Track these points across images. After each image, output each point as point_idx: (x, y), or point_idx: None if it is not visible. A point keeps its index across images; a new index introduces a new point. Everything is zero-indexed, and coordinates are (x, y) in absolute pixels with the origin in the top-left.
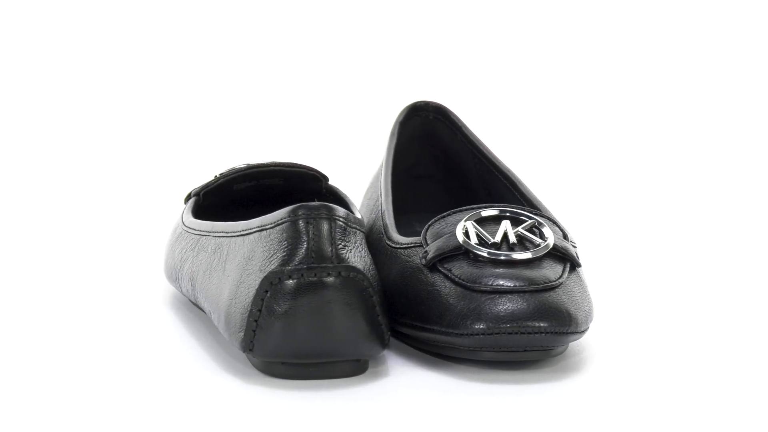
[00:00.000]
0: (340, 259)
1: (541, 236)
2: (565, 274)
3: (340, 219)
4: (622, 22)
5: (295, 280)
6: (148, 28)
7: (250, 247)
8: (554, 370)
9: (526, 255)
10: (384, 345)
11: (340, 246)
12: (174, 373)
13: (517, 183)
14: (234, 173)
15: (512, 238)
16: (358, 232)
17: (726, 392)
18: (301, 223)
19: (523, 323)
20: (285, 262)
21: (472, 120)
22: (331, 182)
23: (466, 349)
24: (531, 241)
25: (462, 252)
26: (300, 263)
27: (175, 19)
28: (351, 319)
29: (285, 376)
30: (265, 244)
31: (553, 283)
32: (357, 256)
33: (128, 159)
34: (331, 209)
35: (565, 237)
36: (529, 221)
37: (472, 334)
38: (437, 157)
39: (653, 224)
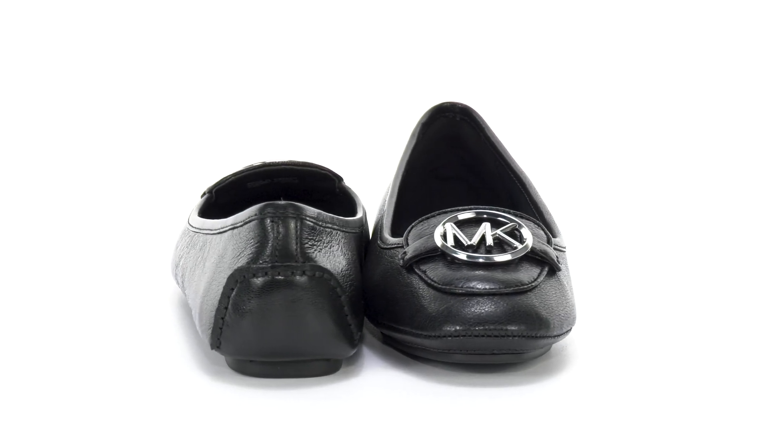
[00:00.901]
0: (307, 258)
1: (520, 239)
2: (541, 278)
3: (309, 218)
4: (635, 27)
5: (259, 278)
6: (166, 29)
7: (224, 244)
8: (527, 373)
9: (502, 258)
10: (353, 345)
11: (308, 245)
12: (147, 369)
13: (527, 185)
14: (246, 171)
15: (489, 241)
16: (336, 231)
17: (711, 394)
18: (267, 221)
19: (491, 326)
20: (252, 260)
21: (493, 120)
22: (348, 182)
23: (436, 350)
24: (509, 244)
25: (439, 254)
26: (265, 261)
27: (195, 19)
28: (316, 318)
29: (257, 374)
30: (235, 242)
31: (526, 286)
32: (328, 255)
33: (147, 157)
34: (298, 209)
35: (549, 241)
36: (510, 224)
37: (440, 336)
38: (463, 159)
39: (656, 227)
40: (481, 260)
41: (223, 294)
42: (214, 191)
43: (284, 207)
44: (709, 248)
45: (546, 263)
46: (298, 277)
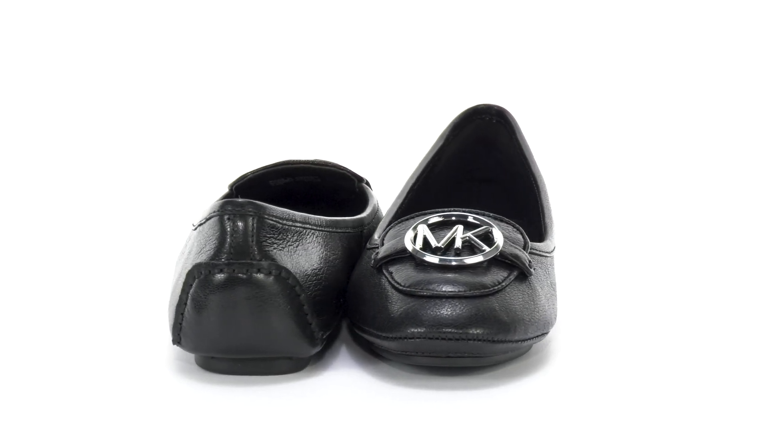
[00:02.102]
0: (265, 256)
1: (491, 243)
2: (507, 281)
3: (271, 217)
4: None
5: (215, 275)
6: (192, 29)
7: (193, 241)
8: (489, 377)
9: (468, 260)
10: (314, 345)
11: (267, 243)
12: (117, 364)
13: (540, 188)
14: (265, 168)
15: (458, 243)
16: (312, 231)
17: (694, 399)
18: (225, 218)
19: (449, 329)
20: (210, 256)
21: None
22: (376, 184)
23: (396, 352)
24: (478, 247)
25: (408, 256)
26: (221, 258)
27: (221, 22)
28: (270, 316)
29: (223, 371)
30: (200, 239)
31: (488, 289)
32: (291, 254)
33: (169, 158)
34: (258, 207)
35: (525, 245)
36: (482, 227)
37: (398, 338)
38: (499, 161)
39: (662, 233)
40: (446, 263)
41: (182, 290)
42: (234, 188)
43: (243, 205)
44: (709, 255)
45: (516, 267)
46: (253, 275)
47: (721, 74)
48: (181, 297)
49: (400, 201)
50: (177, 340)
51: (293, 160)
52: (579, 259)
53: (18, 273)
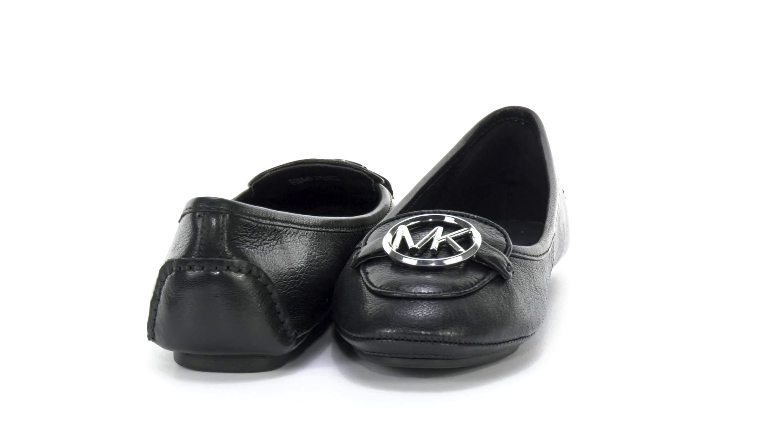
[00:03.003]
0: (237, 254)
1: (469, 245)
2: (480, 284)
3: (245, 216)
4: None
5: (185, 272)
6: (217, 33)
7: (173, 236)
8: (459, 379)
9: (443, 261)
10: (286, 344)
11: (239, 241)
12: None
13: (550, 193)
14: (282, 167)
15: (435, 245)
16: (295, 230)
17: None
18: (196, 215)
19: (414, 331)
20: (181, 253)
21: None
22: (397, 185)
23: (367, 353)
24: (455, 249)
25: (385, 256)
26: (191, 255)
27: (247, 23)
28: (241, 313)
29: (199, 368)
30: (176, 235)
31: (459, 291)
32: (266, 253)
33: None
34: (232, 205)
35: (507, 248)
36: (462, 229)
37: (366, 338)
38: (528, 164)
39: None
40: (423, 264)
41: (156, 286)
42: (252, 186)
43: (215, 202)
44: (696, 264)
45: (493, 270)
46: (222, 272)
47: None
48: (154, 293)
49: (406, 202)
50: (151, 335)
51: (310, 159)
52: (596, 264)
53: (18, 272)
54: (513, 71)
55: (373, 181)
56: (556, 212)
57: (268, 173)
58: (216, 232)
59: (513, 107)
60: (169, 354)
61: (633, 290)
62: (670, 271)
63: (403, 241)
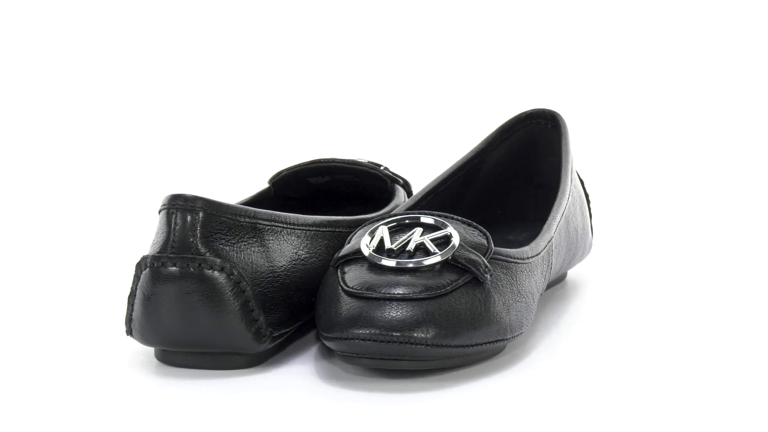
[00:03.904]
0: (211, 251)
1: (445, 246)
2: (453, 286)
3: (222, 213)
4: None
5: (159, 268)
6: (234, 33)
7: None
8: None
9: (417, 263)
10: (260, 341)
11: (214, 239)
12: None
13: (558, 197)
14: (299, 166)
15: (411, 246)
16: (279, 229)
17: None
18: (171, 211)
19: (384, 332)
20: (156, 250)
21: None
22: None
23: (337, 352)
24: (431, 250)
25: (362, 256)
26: (165, 251)
27: (266, 24)
28: (214, 310)
29: (178, 364)
30: (155, 232)
31: (431, 293)
32: (243, 251)
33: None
34: (208, 203)
35: (487, 251)
36: (442, 230)
37: (337, 338)
38: (555, 167)
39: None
40: (401, 265)
41: (132, 281)
42: (271, 184)
43: (190, 199)
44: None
45: (468, 272)
46: (195, 269)
47: None
48: (132, 289)
49: (412, 203)
50: (129, 331)
51: (327, 159)
52: (616, 268)
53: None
54: (542, 73)
55: (389, 181)
56: (558, 216)
57: (285, 171)
58: (190, 229)
59: (539, 110)
60: (150, 351)
61: (651, 296)
62: (694, 277)
63: (381, 242)
